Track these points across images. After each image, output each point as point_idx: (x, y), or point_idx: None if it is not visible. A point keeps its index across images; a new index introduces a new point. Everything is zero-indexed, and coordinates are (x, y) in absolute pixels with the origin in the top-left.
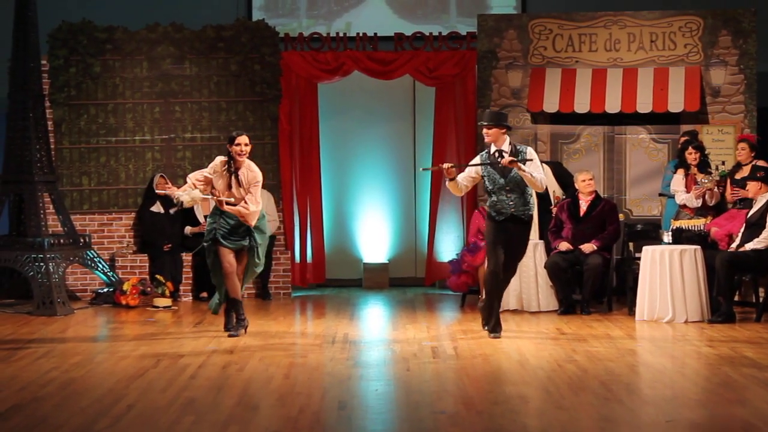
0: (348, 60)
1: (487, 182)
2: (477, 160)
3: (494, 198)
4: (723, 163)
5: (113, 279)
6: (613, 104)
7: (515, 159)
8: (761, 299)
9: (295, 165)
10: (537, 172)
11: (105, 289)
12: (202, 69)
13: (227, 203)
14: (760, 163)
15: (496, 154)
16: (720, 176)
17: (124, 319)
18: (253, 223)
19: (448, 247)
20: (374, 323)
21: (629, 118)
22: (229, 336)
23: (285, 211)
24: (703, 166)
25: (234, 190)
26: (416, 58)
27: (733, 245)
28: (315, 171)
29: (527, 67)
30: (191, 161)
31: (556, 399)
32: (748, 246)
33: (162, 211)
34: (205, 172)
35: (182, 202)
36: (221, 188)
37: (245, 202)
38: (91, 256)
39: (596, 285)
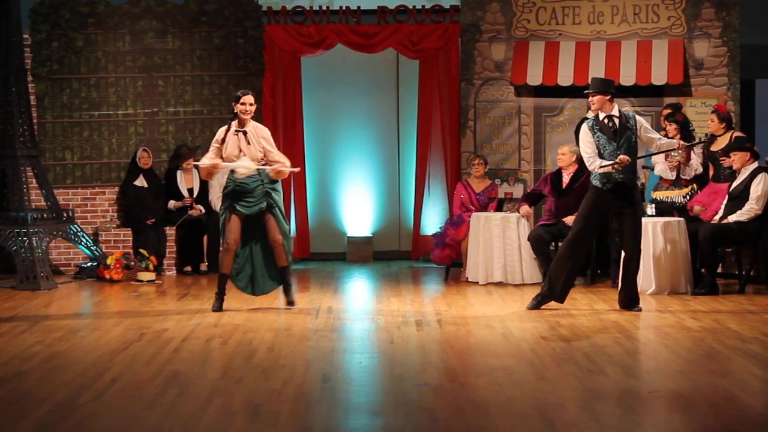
0: (331, 33)
1: (598, 151)
2: (589, 142)
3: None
4: (706, 135)
5: (97, 253)
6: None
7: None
8: (744, 271)
9: (279, 139)
10: (653, 134)
11: (89, 264)
12: (185, 43)
13: (279, 170)
14: (736, 134)
15: (606, 120)
16: (703, 148)
17: (108, 293)
18: (287, 174)
19: (433, 220)
20: (358, 296)
21: None
22: (213, 310)
23: None
24: (684, 139)
25: (245, 149)
26: (399, 32)
27: (716, 217)
28: (299, 145)
29: (511, 40)
30: (174, 135)
31: (540, 371)
32: (732, 218)
33: (145, 185)
34: (212, 150)
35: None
36: (233, 152)
37: (276, 161)
38: (75, 230)
39: None
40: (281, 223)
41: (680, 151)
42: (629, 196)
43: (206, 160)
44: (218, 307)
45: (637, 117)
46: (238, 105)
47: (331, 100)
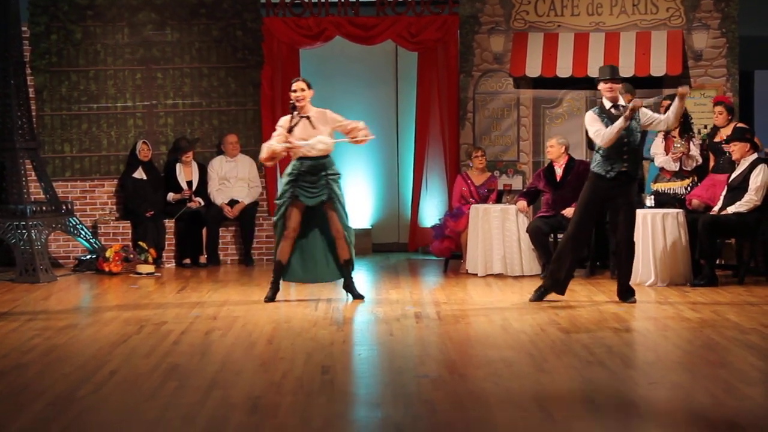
0: (330, 25)
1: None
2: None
3: (609, 151)
4: (705, 126)
5: (96, 246)
6: (595, 68)
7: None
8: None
9: None
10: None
11: (88, 256)
12: (183, 35)
13: (359, 138)
14: (740, 125)
15: (613, 110)
16: (702, 140)
17: (107, 285)
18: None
19: (432, 212)
20: (357, 288)
21: None
22: (265, 300)
23: (267, 177)
24: (685, 129)
25: (312, 134)
26: (398, 23)
27: (715, 208)
28: None
29: (509, 32)
30: (173, 128)
31: (539, 362)
32: (731, 209)
33: (144, 177)
34: (279, 135)
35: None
36: (300, 138)
37: (351, 129)
38: (74, 223)
39: None
40: (342, 216)
41: (683, 143)
42: (629, 187)
43: (277, 144)
44: (271, 297)
45: (640, 109)
46: (291, 93)
47: (330, 92)
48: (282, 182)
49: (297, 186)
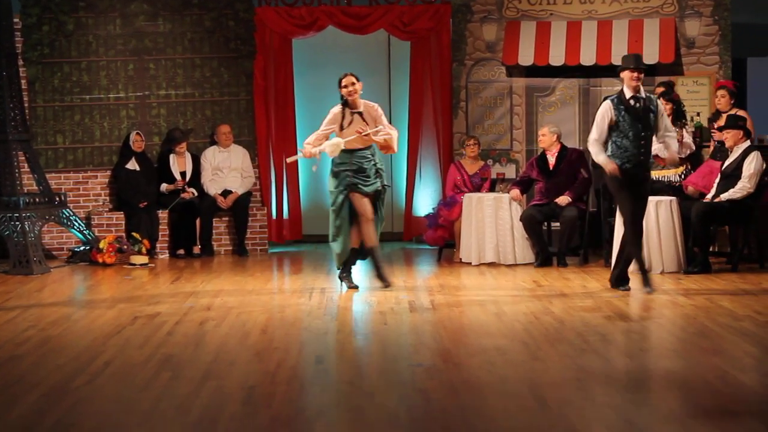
0: (322, 15)
1: (621, 129)
2: (609, 113)
3: (625, 142)
4: (698, 114)
5: (89, 237)
6: (588, 56)
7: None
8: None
9: (271, 121)
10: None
11: (81, 248)
12: (175, 26)
13: (375, 134)
14: (740, 112)
15: (632, 102)
16: (695, 127)
17: (101, 277)
18: (397, 148)
19: (425, 201)
20: (352, 278)
21: (604, 70)
22: (349, 288)
23: (261, 168)
24: (678, 117)
25: (363, 129)
26: (391, 13)
27: (709, 196)
28: (290, 127)
29: (502, 21)
30: (166, 118)
31: (533, 350)
32: (724, 196)
33: (137, 168)
34: (319, 131)
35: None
36: (350, 133)
37: (383, 132)
38: (67, 214)
39: (572, 237)
40: (380, 206)
41: (676, 130)
42: (645, 175)
43: (313, 149)
44: (352, 282)
45: (659, 103)
46: (341, 89)
47: (323, 82)
48: (333, 173)
49: (354, 176)
